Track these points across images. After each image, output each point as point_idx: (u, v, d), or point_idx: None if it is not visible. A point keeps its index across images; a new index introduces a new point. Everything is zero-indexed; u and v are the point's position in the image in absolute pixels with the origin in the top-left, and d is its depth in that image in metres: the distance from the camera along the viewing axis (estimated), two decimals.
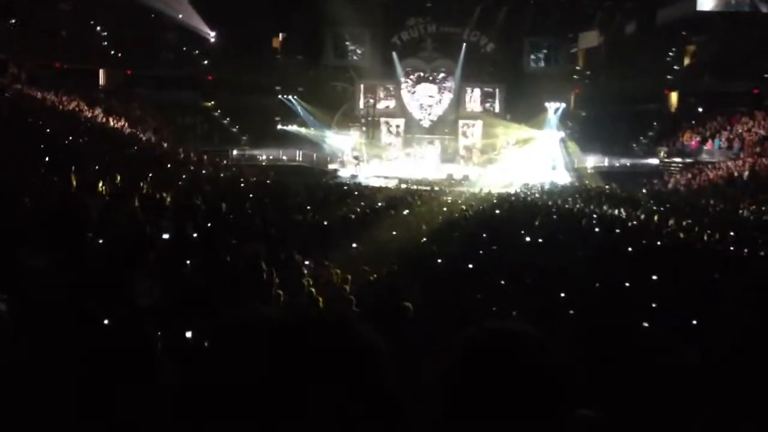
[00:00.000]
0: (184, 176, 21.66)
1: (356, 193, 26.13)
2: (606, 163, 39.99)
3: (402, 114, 44.63)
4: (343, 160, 41.13)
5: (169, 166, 23.88)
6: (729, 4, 41.48)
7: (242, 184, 24.11)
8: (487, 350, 1.49)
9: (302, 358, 1.18)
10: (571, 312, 7.68)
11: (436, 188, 33.14)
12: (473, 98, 44.95)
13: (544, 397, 1.43)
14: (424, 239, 14.45)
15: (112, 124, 32.93)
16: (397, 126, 44.53)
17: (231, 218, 13.68)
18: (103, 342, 2.72)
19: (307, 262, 10.64)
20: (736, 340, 6.08)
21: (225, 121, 42.92)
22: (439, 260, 11.68)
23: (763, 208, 26.17)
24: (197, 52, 44.34)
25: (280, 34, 45.98)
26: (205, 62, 44.15)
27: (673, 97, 44.66)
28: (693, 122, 41.99)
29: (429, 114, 44.47)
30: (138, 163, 21.02)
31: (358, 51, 45.51)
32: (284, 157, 39.76)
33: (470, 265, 11.09)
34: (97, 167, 16.96)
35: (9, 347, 3.13)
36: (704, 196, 30.75)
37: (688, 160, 38.92)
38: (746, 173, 33.22)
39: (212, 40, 43.69)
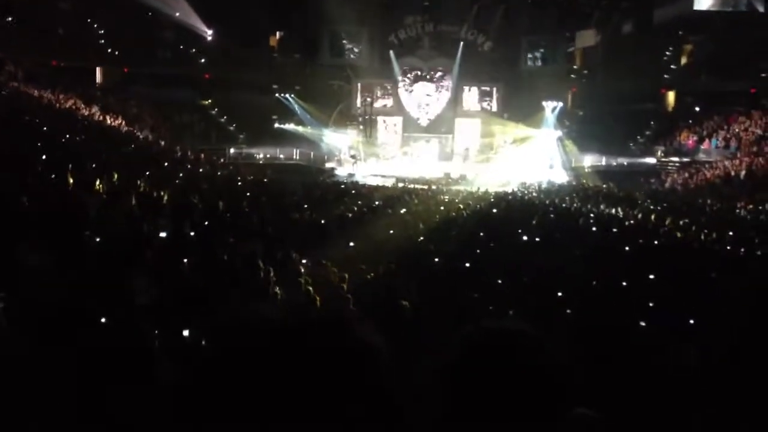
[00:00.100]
0: (181, 175, 21.63)
1: (353, 191, 26.12)
2: (603, 163, 40.03)
3: (399, 113, 44.60)
4: (341, 158, 41.14)
5: (166, 164, 23.85)
6: (726, 4, 41.55)
7: (239, 183, 24.09)
8: (484, 349, 1.49)
9: (301, 358, 1.18)
10: (569, 311, 7.69)
11: (434, 187, 33.14)
12: (471, 97, 44.92)
13: (542, 396, 1.43)
14: (422, 238, 14.46)
15: (109, 122, 32.89)
16: (395, 125, 44.51)
17: (228, 217, 13.68)
18: (100, 341, 2.72)
19: (304, 261, 10.65)
20: (734, 340, 6.09)
21: (222, 120, 42.87)
22: (437, 259, 11.69)
23: (760, 208, 26.21)
24: (194, 50, 44.28)
25: (278, 33, 45.94)
26: (202, 61, 44.08)
27: (670, 96, 44.69)
28: (690, 121, 42.03)
29: (426, 113, 44.44)
30: (135, 162, 20.99)
31: (356, 49, 45.48)
32: (281, 156, 39.75)
33: (467, 264, 11.10)
34: (94, 165, 16.94)
35: (5, 345, 3.13)
36: (701, 195, 30.79)
37: (685, 160, 38.97)
38: (743, 172, 33.28)
39: (209, 38, 43.63)
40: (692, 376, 5.20)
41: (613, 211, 24.47)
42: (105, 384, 2.28)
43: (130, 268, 6.94)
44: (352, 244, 13.04)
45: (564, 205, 25.70)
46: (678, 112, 43.92)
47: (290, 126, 41.42)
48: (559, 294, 8.63)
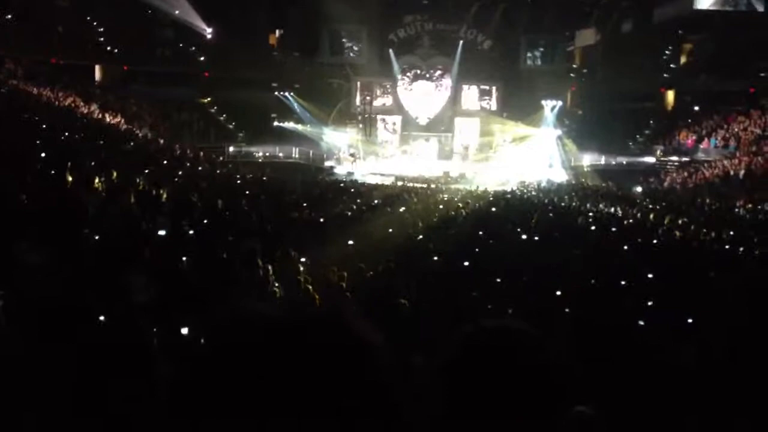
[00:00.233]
0: (180, 173, 21.62)
1: (352, 190, 26.12)
2: (602, 162, 40.06)
3: (398, 111, 44.62)
4: (340, 157, 41.17)
5: (165, 162, 23.84)
6: (726, 3, 41.55)
7: (238, 181, 24.09)
8: (483, 348, 1.49)
9: (299, 355, 1.18)
10: (567, 310, 7.69)
11: (433, 186, 33.17)
12: (470, 96, 44.96)
13: (540, 395, 1.43)
14: (421, 237, 14.46)
15: (108, 120, 32.87)
16: (394, 123, 44.53)
17: (227, 215, 13.67)
18: (98, 339, 2.72)
19: (303, 259, 10.64)
20: (732, 339, 6.09)
21: (221, 118, 42.89)
22: (435, 258, 11.69)
23: (759, 207, 26.23)
24: (193, 48, 44.27)
25: (277, 31, 45.93)
26: (202, 59, 44.05)
27: (670, 95, 44.70)
28: (689, 121, 42.05)
29: (425, 111, 44.46)
30: (134, 160, 20.98)
31: (355, 48, 45.51)
32: (280, 154, 39.77)
33: (466, 263, 11.10)
34: (93, 163, 16.93)
35: (3, 343, 3.13)
36: (700, 194, 30.82)
37: (684, 159, 38.99)
38: (742, 172, 33.30)
39: (209, 36, 43.62)
40: (691, 375, 5.20)
41: (612, 210, 24.50)
42: (103, 381, 2.28)
43: (128, 266, 6.93)
44: (351, 242, 13.03)
45: (563, 204, 25.72)
46: (677, 112, 43.94)
47: (289, 124, 41.44)
48: (558, 293, 8.63)
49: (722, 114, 40.86)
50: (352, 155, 41.09)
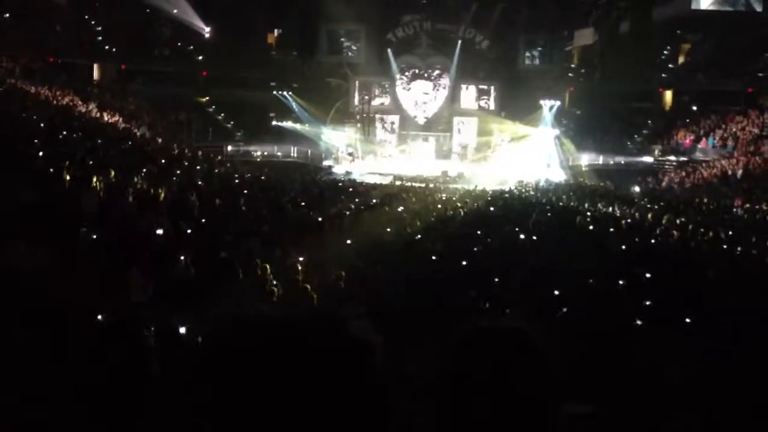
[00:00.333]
0: (178, 172, 21.61)
1: (351, 189, 26.11)
2: (600, 161, 40.05)
3: (397, 111, 44.60)
4: (338, 156, 41.14)
5: (163, 161, 23.82)
6: (724, 3, 41.59)
7: (236, 181, 24.08)
8: (481, 348, 1.49)
9: (296, 355, 1.18)
10: (565, 309, 7.70)
11: (431, 185, 33.16)
12: (468, 95, 44.94)
13: (537, 393, 1.44)
14: (419, 236, 14.46)
15: (106, 119, 32.82)
16: (392, 123, 44.49)
17: (225, 214, 13.68)
18: (96, 337, 2.72)
19: (301, 258, 10.65)
20: (730, 338, 6.10)
21: (219, 117, 42.85)
22: (434, 257, 11.69)
23: (757, 207, 26.25)
24: (192, 47, 44.20)
25: (275, 30, 45.89)
26: (200, 58, 44.00)
27: (668, 95, 44.71)
28: (687, 120, 42.06)
29: (424, 111, 44.45)
30: (132, 159, 20.96)
31: (353, 47, 45.50)
32: (279, 153, 39.75)
33: (464, 262, 11.11)
34: (91, 162, 16.92)
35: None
36: (698, 194, 30.83)
37: (682, 159, 38.99)
38: (740, 172, 33.32)
39: (207, 35, 43.58)
40: (686, 375, 5.21)
41: (610, 209, 24.50)
42: (101, 378, 2.29)
43: (126, 265, 6.94)
44: (349, 241, 13.04)
45: (561, 203, 25.72)
46: (675, 111, 43.94)
47: (287, 124, 41.39)
48: (556, 292, 8.64)
49: (720, 114, 40.88)
50: (350, 154, 41.10)
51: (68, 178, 13.01)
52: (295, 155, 39.99)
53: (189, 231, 10.42)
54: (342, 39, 45.24)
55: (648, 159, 40.03)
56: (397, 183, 33.92)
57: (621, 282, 9.93)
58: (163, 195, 14.02)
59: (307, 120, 42.01)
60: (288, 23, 44.84)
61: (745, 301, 7.89)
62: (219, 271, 8.05)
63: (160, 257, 7.85)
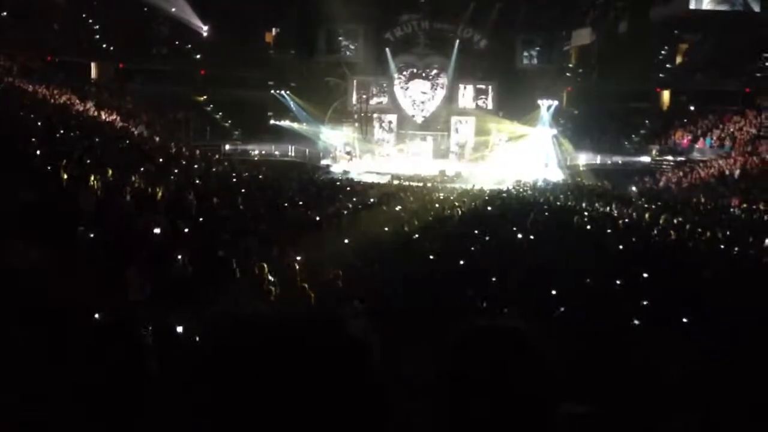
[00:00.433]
0: (175, 171, 21.59)
1: (348, 189, 26.12)
2: (598, 161, 40.08)
3: (395, 110, 44.62)
4: (336, 155, 41.15)
5: (160, 160, 23.80)
6: (722, 3, 41.62)
7: (234, 180, 24.06)
8: (479, 347, 1.50)
9: (294, 355, 1.18)
10: (562, 309, 7.71)
11: (429, 185, 33.17)
12: (466, 95, 44.97)
13: (535, 393, 1.44)
14: (417, 235, 14.46)
15: (104, 117, 32.78)
16: (390, 122, 44.50)
17: (223, 213, 13.67)
18: (93, 336, 2.72)
19: (299, 258, 10.65)
20: (727, 338, 6.11)
21: (217, 116, 42.83)
22: (431, 256, 11.70)
23: (754, 207, 26.28)
24: (190, 46, 44.17)
25: (273, 29, 45.88)
26: (198, 56, 43.97)
27: (665, 95, 44.76)
28: (685, 120, 42.09)
29: (422, 110, 44.47)
30: (130, 158, 20.94)
31: (351, 47, 45.48)
32: (276, 153, 39.75)
33: (462, 262, 11.11)
34: (88, 161, 16.90)
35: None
36: (695, 194, 30.86)
37: (679, 159, 39.03)
38: (737, 172, 33.36)
39: (205, 34, 43.56)
40: (685, 375, 5.22)
41: (608, 209, 24.52)
42: (99, 377, 2.29)
43: (124, 264, 6.94)
44: (347, 240, 13.04)
45: (559, 203, 25.74)
46: (673, 111, 43.99)
47: (285, 123, 41.39)
48: (553, 292, 8.64)
49: (718, 114, 40.94)
50: (348, 153, 41.12)
51: (65, 176, 12.99)
52: (293, 154, 39.98)
53: (186, 230, 10.42)
54: (340, 38, 45.22)
55: (645, 159, 40.07)
56: (395, 182, 33.92)
57: (618, 282, 9.94)
58: (160, 194, 14.01)
59: (305, 119, 42.01)
60: (286, 22, 44.83)
61: (743, 301, 7.90)
62: (216, 270, 8.05)
63: (157, 256, 7.85)
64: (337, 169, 39.07)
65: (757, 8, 41.06)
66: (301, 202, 18.80)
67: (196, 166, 26.11)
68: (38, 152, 15.94)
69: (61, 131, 22.03)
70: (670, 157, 39.53)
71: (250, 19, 42.50)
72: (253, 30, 43.73)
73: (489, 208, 20.72)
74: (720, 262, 12.84)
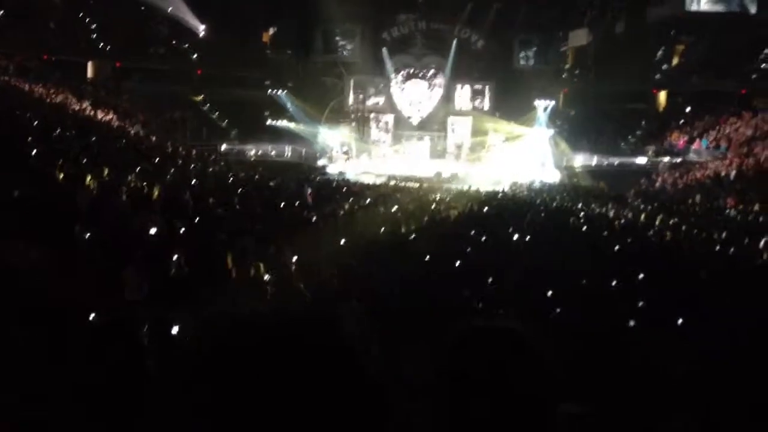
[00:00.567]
0: (172, 170, 21.57)
1: (345, 189, 26.10)
2: (594, 162, 40.11)
3: (391, 110, 44.62)
4: (332, 156, 41.13)
5: (157, 160, 23.78)
6: (718, 5, 41.73)
7: (231, 179, 24.05)
8: (476, 348, 1.50)
9: (290, 354, 1.18)
10: (558, 310, 7.71)
11: (425, 185, 33.18)
12: (463, 95, 44.98)
13: (533, 393, 1.45)
14: (413, 236, 14.46)
15: (100, 117, 32.75)
16: (387, 122, 44.50)
17: (219, 213, 13.66)
18: (90, 336, 2.72)
19: (295, 258, 10.64)
20: (723, 340, 6.12)
21: (214, 116, 42.79)
22: (428, 257, 11.69)
23: (750, 208, 26.32)
24: (187, 45, 44.14)
25: (270, 29, 45.86)
26: (195, 56, 43.94)
27: (662, 96, 44.84)
28: (681, 122, 42.17)
29: (418, 110, 44.47)
30: (126, 157, 20.92)
31: (348, 47, 45.46)
32: (273, 153, 39.70)
33: (458, 262, 11.12)
34: (84, 161, 16.89)
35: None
36: (691, 195, 30.90)
37: (675, 160, 39.08)
38: (733, 173, 33.40)
39: (202, 33, 43.54)
40: (684, 374, 5.23)
41: (604, 210, 24.56)
42: (95, 377, 2.28)
43: (120, 264, 6.93)
44: (343, 240, 13.03)
45: (555, 204, 25.77)
46: (669, 112, 44.08)
47: (282, 123, 41.36)
48: (549, 293, 8.65)
49: (714, 115, 40.99)
50: (345, 153, 41.12)
51: (62, 176, 12.98)
52: (290, 154, 39.95)
53: (183, 230, 10.41)
54: (337, 38, 45.21)
55: (642, 160, 40.11)
56: (391, 183, 33.93)
57: (614, 282, 9.96)
58: (157, 193, 14.00)
59: (302, 119, 42.00)
60: (283, 22, 44.83)
61: (740, 302, 7.91)
62: (213, 270, 8.04)
63: (154, 256, 7.84)
64: (333, 169, 39.05)
65: (753, 9, 41.16)
66: (297, 203, 18.79)
67: (192, 165, 26.08)
68: (35, 151, 15.92)
69: (58, 130, 22.00)
70: (666, 159, 39.57)
71: (247, 19, 42.50)
72: (250, 30, 43.73)
73: (485, 209, 20.72)
74: (716, 263, 12.87)
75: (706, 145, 39.16)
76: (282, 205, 17.71)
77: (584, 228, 17.26)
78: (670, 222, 20.37)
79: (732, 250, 15.49)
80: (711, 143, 39.06)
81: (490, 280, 9.87)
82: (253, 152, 39.52)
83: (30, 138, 17.78)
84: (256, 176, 27.59)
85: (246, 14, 42.20)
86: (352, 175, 36.39)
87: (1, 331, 2.96)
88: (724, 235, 18.07)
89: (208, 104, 43.26)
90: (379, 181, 34.82)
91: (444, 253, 12.06)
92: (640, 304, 8.27)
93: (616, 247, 13.79)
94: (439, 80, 44.29)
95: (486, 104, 44.77)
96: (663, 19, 41.73)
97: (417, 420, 1.48)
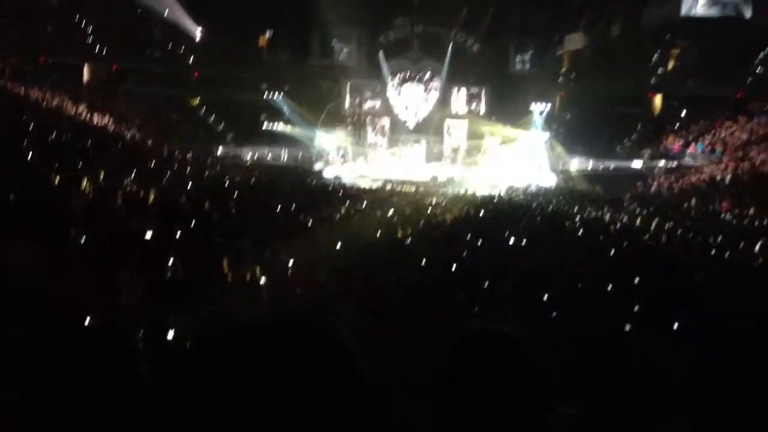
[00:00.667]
0: (168, 174, 21.56)
1: (341, 193, 26.11)
2: (590, 166, 40.20)
3: (388, 114, 44.68)
4: (329, 159, 41.15)
5: (153, 163, 23.77)
6: (713, 9, 41.89)
7: (227, 183, 24.04)
8: (473, 351, 1.50)
9: (288, 357, 1.18)
10: (555, 313, 7.71)
11: (421, 189, 33.20)
12: (459, 99, 45.05)
13: (525, 395, 1.45)
14: (409, 239, 14.46)
15: (96, 120, 32.73)
16: (383, 126, 44.55)
17: (215, 217, 13.63)
18: (86, 338, 2.71)
19: (291, 261, 10.62)
20: (719, 343, 6.12)
21: (210, 119, 42.77)
22: (424, 260, 11.69)
23: (745, 212, 26.39)
24: (183, 48, 44.15)
25: (267, 32, 45.90)
26: (192, 59, 43.94)
27: (657, 100, 44.96)
28: (676, 126, 42.29)
29: (415, 114, 44.54)
30: (122, 160, 20.91)
31: (345, 50, 45.53)
32: (269, 156, 39.70)
33: (455, 265, 11.10)
34: (80, 164, 16.86)
35: None
36: (687, 199, 30.97)
37: (671, 164, 39.18)
38: (728, 177, 33.50)
39: (198, 36, 43.56)
40: (684, 375, 5.23)
41: (600, 214, 24.59)
42: (91, 381, 2.28)
43: (116, 268, 6.90)
44: (339, 244, 13.02)
45: (551, 207, 25.79)
46: (664, 116, 44.19)
47: (279, 126, 41.37)
48: (545, 296, 8.65)
49: (709, 119, 41.12)
50: (342, 157, 41.16)
51: (58, 179, 12.96)
52: (286, 158, 39.97)
53: (179, 233, 10.39)
54: (334, 42, 45.27)
55: (637, 164, 40.20)
56: (388, 187, 33.94)
57: (611, 286, 9.96)
58: (152, 197, 13.98)
59: (299, 123, 42.01)
60: (280, 25, 44.85)
61: (737, 304, 7.92)
62: (209, 273, 8.02)
63: (149, 259, 7.82)
64: (329, 173, 39.07)
65: (748, 14, 41.32)
66: (293, 206, 18.78)
67: (188, 169, 26.07)
68: (30, 154, 15.90)
69: (54, 134, 21.99)
70: (662, 162, 39.67)
71: (244, 22, 42.52)
72: (247, 33, 43.74)
73: (482, 213, 20.73)
74: (712, 266, 12.89)
75: (702, 149, 39.27)
76: (278, 209, 17.69)
77: (580, 232, 17.27)
78: (666, 226, 20.40)
79: (728, 254, 15.52)
80: (706, 147, 39.17)
81: (486, 283, 9.87)
82: (249, 156, 39.51)
83: (26, 141, 17.76)
84: (253, 180, 27.58)
85: (242, 17, 42.23)
86: (348, 179, 36.40)
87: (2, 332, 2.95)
88: (719, 239, 18.11)
89: (205, 107, 43.25)
90: (375, 185, 34.82)
91: (440, 256, 12.05)
92: (637, 307, 8.28)
93: (612, 251, 13.80)
94: (436, 84, 44.37)
95: (482, 108, 44.84)
96: (658, 23, 41.89)
97: (416, 420, 1.48)
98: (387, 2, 44.34)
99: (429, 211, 21.10)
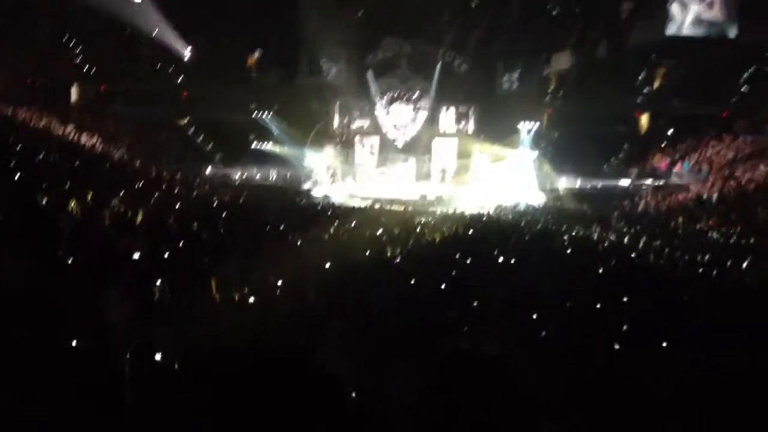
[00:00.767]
0: (156, 194, 21.51)
1: (330, 212, 26.11)
2: (578, 184, 40.39)
3: (376, 133, 44.80)
4: (317, 179, 41.18)
5: (141, 183, 23.72)
6: (698, 29, 42.36)
7: (215, 203, 24.00)
8: (461, 371, 1.50)
9: (269, 385, 1.18)
10: (543, 332, 7.71)
11: (410, 208, 33.25)
12: (447, 118, 45.22)
13: (514, 414, 1.45)
14: (399, 259, 14.46)
15: (84, 140, 32.66)
16: (372, 145, 44.65)
17: (203, 237, 13.60)
18: (71, 363, 2.69)
19: (280, 282, 10.59)
20: (706, 361, 6.13)
21: (199, 139, 42.77)
22: (413, 279, 11.68)
23: (732, 231, 26.53)
24: (172, 68, 44.20)
25: (256, 52, 46.03)
26: (180, 79, 43.99)
27: (644, 119, 45.29)
28: (663, 144, 42.58)
29: (403, 133, 44.68)
30: (110, 180, 20.86)
31: (334, 69, 45.67)
32: (258, 176, 39.71)
33: (443, 285, 11.10)
34: (68, 184, 16.81)
35: None
36: (674, 217, 31.13)
37: (658, 182, 39.41)
38: (715, 195, 33.71)
39: (187, 56, 43.64)
40: (676, 386, 5.23)
41: (588, 232, 24.68)
42: (75, 405, 2.26)
43: (103, 289, 6.87)
44: (328, 264, 13.00)
45: (539, 226, 25.86)
46: (651, 135, 44.50)
47: (267, 146, 41.41)
48: (534, 315, 8.65)
49: (695, 138, 41.43)
50: (331, 176, 41.20)
51: (46, 199, 12.91)
52: (275, 178, 39.99)
53: (166, 253, 10.35)
54: (323, 61, 45.43)
55: (624, 182, 40.43)
56: (377, 206, 33.98)
57: (599, 304, 9.97)
58: (140, 217, 13.94)
59: (288, 142, 42.07)
60: (269, 45, 45.00)
61: (724, 321, 7.95)
62: (197, 294, 7.99)
63: (137, 280, 7.78)
64: (318, 192, 39.09)
65: (733, 33, 41.80)
66: (282, 227, 18.75)
67: (176, 189, 26.02)
68: (18, 175, 15.85)
69: (42, 154, 21.93)
70: (648, 181, 39.91)
71: (233, 42, 42.64)
72: (236, 53, 43.85)
73: (470, 232, 20.77)
74: (700, 284, 12.94)
75: (688, 167, 39.54)
76: (267, 228, 17.67)
77: (569, 250, 17.32)
78: (653, 244, 20.49)
79: (715, 272, 15.59)
80: (693, 166, 39.44)
81: (475, 303, 9.86)
82: (237, 176, 39.50)
83: (13, 162, 17.70)
84: (241, 200, 27.55)
85: (231, 37, 42.35)
86: (337, 198, 36.43)
87: None
88: (707, 257, 18.20)
89: (193, 127, 43.25)
90: (364, 204, 34.86)
91: (429, 275, 12.04)
92: (626, 326, 8.29)
93: (601, 269, 13.85)
94: (424, 103, 44.52)
95: (470, 127, 44.99)
96: (645, 43, 42.27)
97: None
98: (376, 22, 44.59)
99: (418, 230, 21.12)
